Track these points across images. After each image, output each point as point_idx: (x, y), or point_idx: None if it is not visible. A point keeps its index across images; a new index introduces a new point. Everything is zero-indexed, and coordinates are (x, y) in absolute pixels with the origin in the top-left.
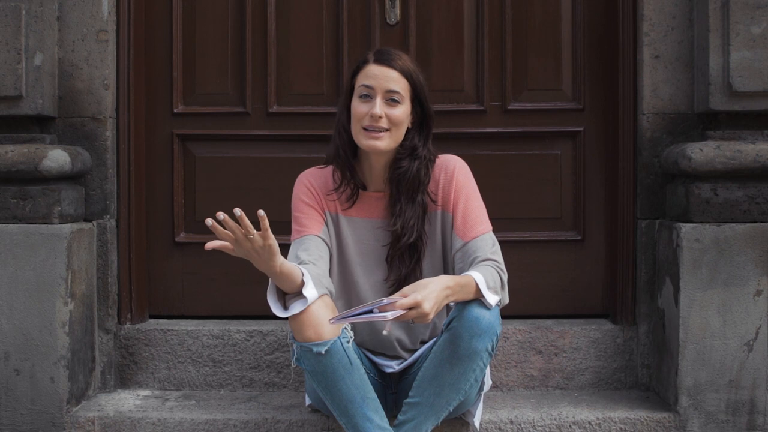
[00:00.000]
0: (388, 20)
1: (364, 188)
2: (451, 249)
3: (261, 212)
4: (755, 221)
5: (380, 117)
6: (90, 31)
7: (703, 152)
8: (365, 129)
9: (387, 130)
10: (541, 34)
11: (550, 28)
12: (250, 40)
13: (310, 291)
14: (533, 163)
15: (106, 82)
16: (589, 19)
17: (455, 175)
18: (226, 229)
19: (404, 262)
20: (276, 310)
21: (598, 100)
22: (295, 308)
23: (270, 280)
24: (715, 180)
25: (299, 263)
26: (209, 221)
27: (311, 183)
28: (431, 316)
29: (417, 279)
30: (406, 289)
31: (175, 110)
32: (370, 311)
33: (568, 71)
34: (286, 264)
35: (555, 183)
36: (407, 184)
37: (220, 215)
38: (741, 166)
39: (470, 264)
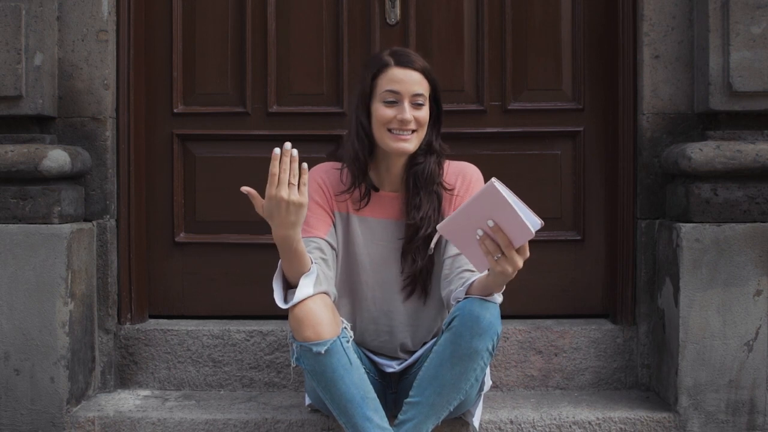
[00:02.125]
0: (388, 20)
1: (376, 189)
2: (443, 253)
3: (304, 165)
4: (755, 221)
5: (410, 121)
6: (90, 31)
7: (703, 152)
8: (391, 131)
9: (414, 131)
10: (541, 34)
11: (550, 28)
12: (250, 40)
13: (309, 286)
14: (533, 163)
15: (106, 82)
16: (589, 19)
17: (473, 184)
18: (280, 164)
19: (420, 255)
20: (278, 298)
21: (598, 100)
22: (298, 297)
23: (279, 264)
24: (715, 180)
25: None
26: (277, 150)
27: (324, 181)
28: (512, 274)
29: (431, 274)
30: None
31: (175, 110)
32: (521, 210)
33: (568, 71)
34: (302, 244)
35: (555, 183)
36: (425, 179)
37: (288, 145)
38: (741, 166)
39: (457, 273)
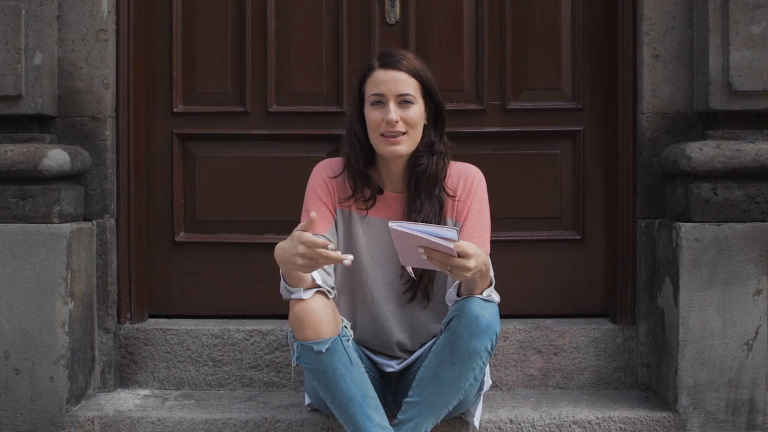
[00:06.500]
0: (387, 20)
1: (381, 192)
2: None
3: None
4: (755, 221)
5: (396, 121)
6: (90, 30)
7: (703, 152)
8: (383, 136)
9: (404, 133)
10: (541, 34)
11: (550, 28)
12: (250, 39)
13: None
14: (533, 162)
15: (105, 81)
16: (589, 19)
17: (474, 188)
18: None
19: None
20: (284, 289)
21: (598, 100)
22: (299, 294)
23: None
24: (714, 179)
25: None
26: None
27: (329, 178)
28: (469, 276)
29: (432, 278)
30: (463, 242)
31: (174, 110)
32: (431, 234)
33: (567, 71)
34: (300, 273)
35: (555, 182)
36: (426, 180)
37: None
38: (741, 165)
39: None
